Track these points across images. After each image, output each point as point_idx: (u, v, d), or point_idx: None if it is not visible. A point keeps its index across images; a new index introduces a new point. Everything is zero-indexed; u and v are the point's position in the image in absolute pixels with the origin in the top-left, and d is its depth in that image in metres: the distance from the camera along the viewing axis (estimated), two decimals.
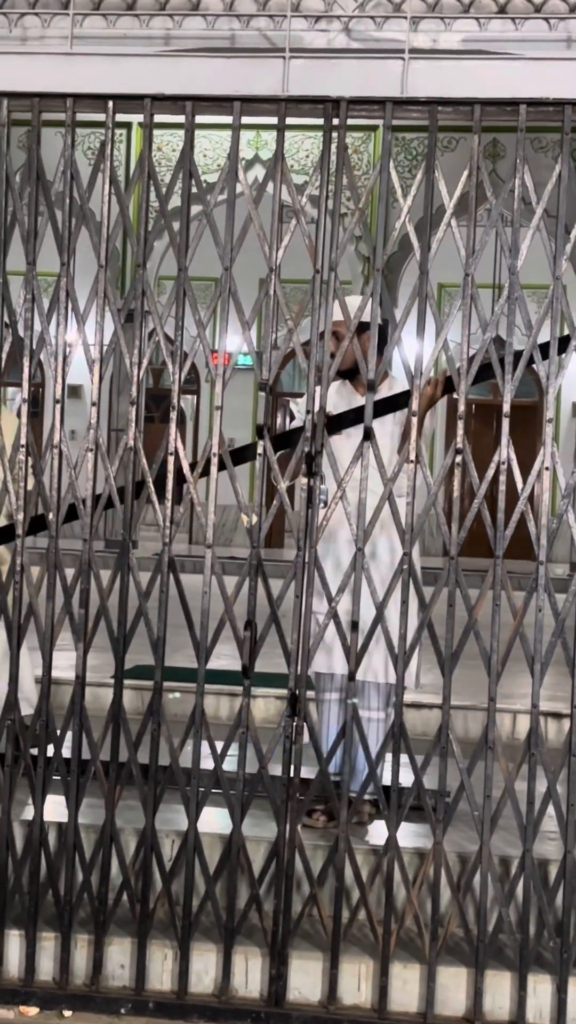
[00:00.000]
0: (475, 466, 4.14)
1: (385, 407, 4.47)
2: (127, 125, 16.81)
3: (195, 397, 22.17)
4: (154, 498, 4.22)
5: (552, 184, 4.11)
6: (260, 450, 4.25)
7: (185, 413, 20.64)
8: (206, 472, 4.23)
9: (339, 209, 4.20)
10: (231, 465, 4.24)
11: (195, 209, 4.31)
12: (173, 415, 4.28)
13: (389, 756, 4.20)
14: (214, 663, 4.33)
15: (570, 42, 11.49)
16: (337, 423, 4.52)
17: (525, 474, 4.12)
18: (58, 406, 4.32)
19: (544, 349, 4.15)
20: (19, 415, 4.59)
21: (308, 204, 4.30)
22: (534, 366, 4.18)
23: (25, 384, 4.39)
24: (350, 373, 4.95)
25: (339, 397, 4.96)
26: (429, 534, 19.24)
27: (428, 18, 10.37)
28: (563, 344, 4.14)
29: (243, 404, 19.38)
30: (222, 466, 4.22)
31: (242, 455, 4.46)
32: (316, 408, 4.21)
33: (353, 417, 4.52)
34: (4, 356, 4.34)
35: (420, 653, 4.57)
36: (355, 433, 4.42)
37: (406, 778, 4.19)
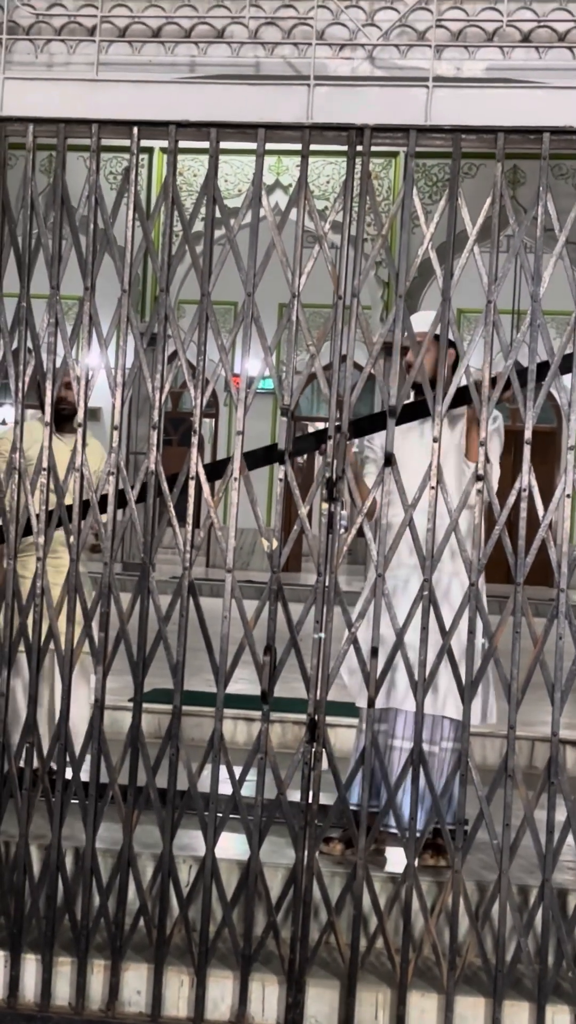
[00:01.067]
0: (497, 492, 4.14)
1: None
2: (149, 150, 16.92)
3: (213, 420, 22.21)
4: (175, 522, 4.22)
5: (575, 214, 4.11)
6: (281, 475, 4.25)
7: (204, 437, 20.67)
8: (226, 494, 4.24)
9: (362, 236, 4.21)
10: (252, 489, 4.24)
11: (217, 233, 4.33)
12: (194, 439, 4.29)
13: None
14: (231, 687, 4.32)
15: None
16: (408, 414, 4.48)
17: (543, 500, 4.11)
18: (80, 430, 4.34)
19: (522, 375, 4.13)
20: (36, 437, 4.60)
21: (330, 230, 4.30)
22: (553, 392, 4.17)
23: (48, 408, 4.40)
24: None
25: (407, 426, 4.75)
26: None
27: (452, 47, 10.42)
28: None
29: (262, 428, 19.43)
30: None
31: (264, 457, 4.46)
32: (334, 432, 4.21)
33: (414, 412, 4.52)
34: (27, 379, 4.36)
35: (491, 687, 4.64)
36: (424, 434, 4.54)
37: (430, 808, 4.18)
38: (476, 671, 4.15)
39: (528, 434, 4.12)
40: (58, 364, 4.36)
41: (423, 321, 4.66)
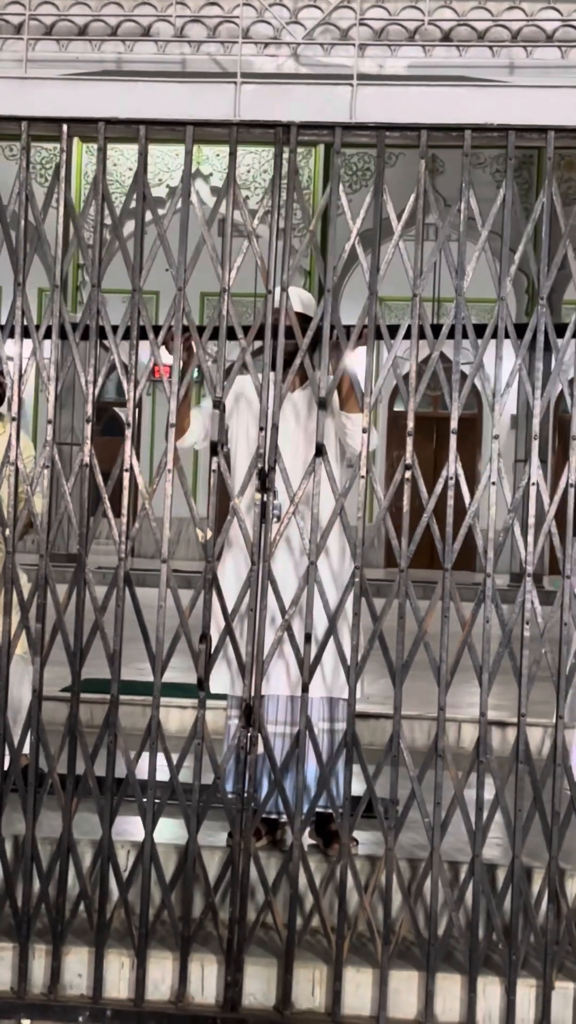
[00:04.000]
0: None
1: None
2: (92, 139, 16.91)
3: (137, 411, 22.17)
4: (110, 514, 4.29)
5: (497, 207, 4.23)
6: (214, 467, 4.34)
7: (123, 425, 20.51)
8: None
9: (290, 230, 4.30)
10: (186, 482, 4.33)
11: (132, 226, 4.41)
12: (128, 432, 4.36)
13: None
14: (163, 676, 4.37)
15: (512, 68, 11.67)
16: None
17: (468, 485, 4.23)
18: (13, 424, 4.39)
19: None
20: None
21: (257, 224, 4.39)
22: (476, 383, 4.29)
23: None
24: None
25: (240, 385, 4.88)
26: (359, 545, 19.20)
27: (374, 45, 10.53)
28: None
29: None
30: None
31: None
32: (270, 425, 4.30)
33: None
34: None
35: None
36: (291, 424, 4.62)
37: (357, 787, 4.29)
38: (404, 656, 4.25)
39: (454, 423, 4.23)
40: None
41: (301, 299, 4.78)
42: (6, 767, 4.39)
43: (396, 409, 21.83)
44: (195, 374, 4.47)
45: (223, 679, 4.62)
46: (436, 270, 14.10)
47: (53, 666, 4.42)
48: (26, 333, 4.34)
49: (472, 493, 4.23)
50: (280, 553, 4.55)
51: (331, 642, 4.28)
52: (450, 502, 4.22)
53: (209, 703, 4.33)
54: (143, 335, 4.31)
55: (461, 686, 4.57)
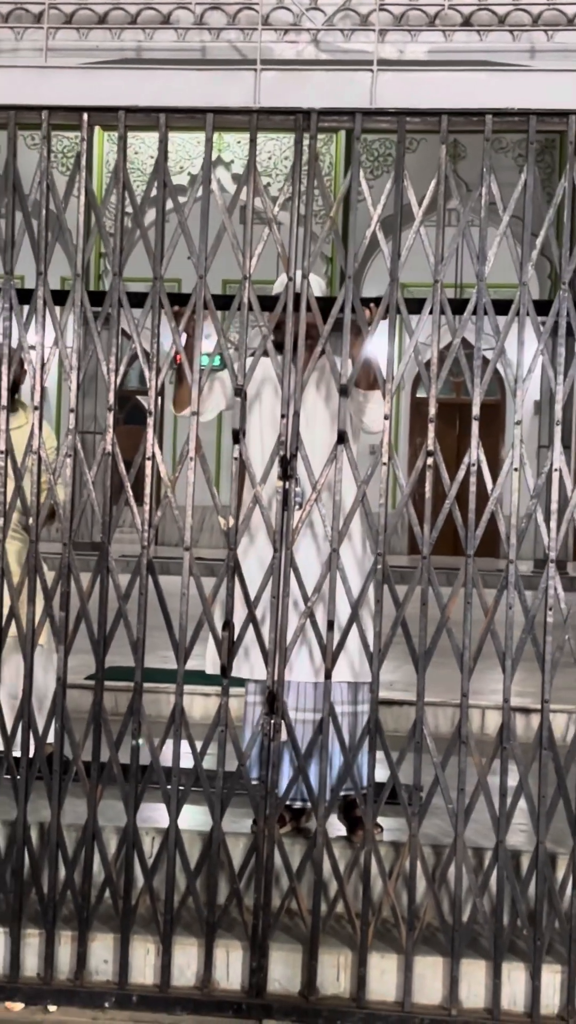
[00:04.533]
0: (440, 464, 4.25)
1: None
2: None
3: (160, 398, 22.17)
4: (132, 502, 4.30)
5: (518, 192, 4.22)
6: (235, 454, 4.34)
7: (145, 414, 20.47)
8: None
9: (311, 217, 4.30)
10: (209, 470, 4.33)
11: (153, 215, 4.41)
12: (150, 420, 4.37)
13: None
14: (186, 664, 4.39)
15: (533, 52, 11.65)
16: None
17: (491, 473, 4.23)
18: (36, 412, 4.40)
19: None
20: None
21: (278, 211, 4.39)
22: (499, 368, 4.28)
23: (4, 392, 4.46)
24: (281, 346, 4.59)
25: (262, 370, 4.81)
26: (382, 532, 19.21)
27: (394, 30, 10.50)
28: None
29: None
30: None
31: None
32: (291, 412, 4.30)
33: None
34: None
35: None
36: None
37: (381, 774, 4.30)
38: (427, 643, 4.25)
39: (476, 410, 4.22)
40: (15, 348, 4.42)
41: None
42: (31, 755, 4.41)
43: (419, 395, 21.84)
44: (216, 360, 4.47)
45: (242, 666, 4.63)
46: (458, 255, 14.08)
47: (74, 654, 4.43)
48: (48, 321, 4.35)
49: (495, 479, 4.22)
50: (303, 540, 4.56)
51: (355, 627, 4.28)
52: (472, 488, 4.22)
53: (232, 690, 4.34)
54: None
55: (483, 673, 4.58)
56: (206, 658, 4.68)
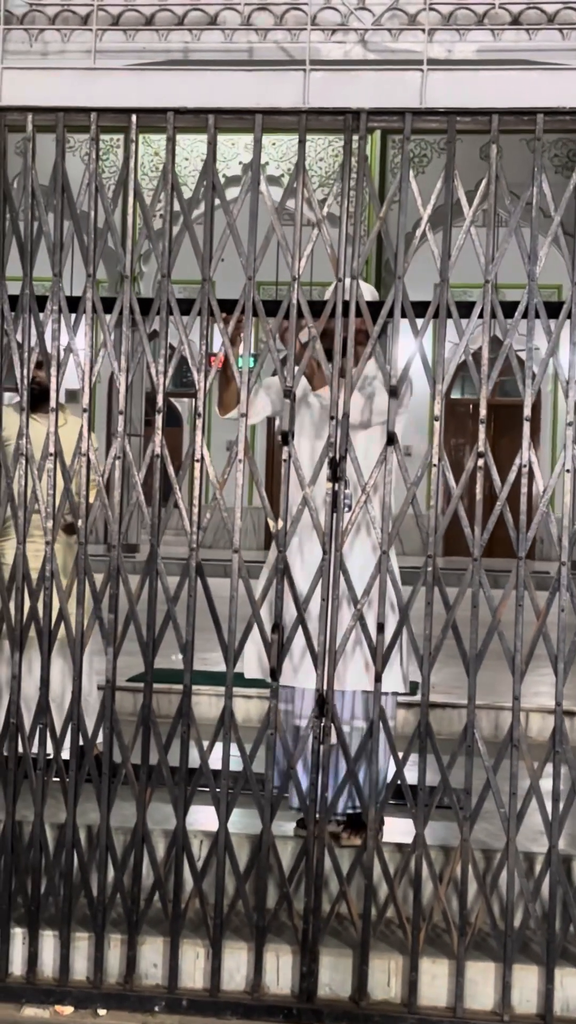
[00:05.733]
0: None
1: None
2: (121, 130, 16.93)
3: (193, 400, 22.16)
4: (182, 504, 4.29)
5: (569, 191, 4.17)
6: (285, 456, 4.32)
7: (181, 417, 20.55)
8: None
9: (360, 218, 4.27)
10: (257, 472, 4.32)
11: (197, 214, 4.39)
12: (199, 423, 4.35)
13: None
14: (222, 666, 4.37)
15: None
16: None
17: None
18: (85, 415, 4.40)
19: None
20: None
21: (324, 212, 4.36)
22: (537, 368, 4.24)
23: (54, 394, 4.46)
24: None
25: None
26: (407, 534, 19.06)
27: (443, 29, 10.45)
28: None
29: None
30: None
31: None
32: (340, 415, 4.27)
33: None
34: (31, 366, 4.43)
35: (409, 655, 4.55)
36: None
37: (430, 778, 4.26)
38: (478, 646, 4.22)
39: (527, 411, 4.18)
40: (59, 349, 4.42)
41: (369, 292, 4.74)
42: (80, 757, 4.40)
43: (453, 396, 21.76)
44: (251, 361, 4.44)
45: (287, 672, 4.58)
46: (489, 255, 14.08)
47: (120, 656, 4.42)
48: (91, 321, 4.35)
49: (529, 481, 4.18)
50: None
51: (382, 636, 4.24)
52: (523, 489, 4.18)
53: (249, 692, 4.29)
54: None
55: (527, 675, 4.52)
56: (243, 661, 4.62)
